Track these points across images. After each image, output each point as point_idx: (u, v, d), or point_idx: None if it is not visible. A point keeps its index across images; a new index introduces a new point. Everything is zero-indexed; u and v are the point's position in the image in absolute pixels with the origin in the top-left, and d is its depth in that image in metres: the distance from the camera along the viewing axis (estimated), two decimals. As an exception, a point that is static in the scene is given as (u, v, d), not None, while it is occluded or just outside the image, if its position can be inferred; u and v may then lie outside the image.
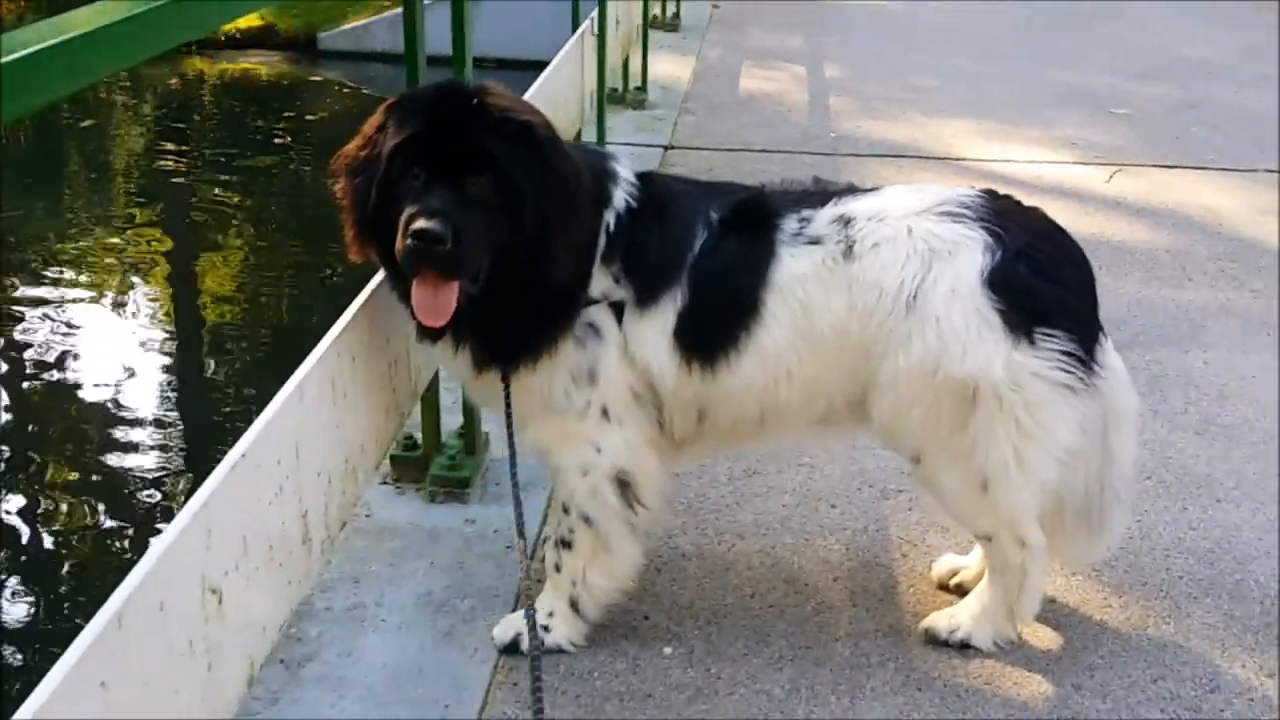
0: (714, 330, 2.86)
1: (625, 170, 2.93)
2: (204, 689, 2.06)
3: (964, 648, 3.12)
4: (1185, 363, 4.81)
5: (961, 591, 3.30)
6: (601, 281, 2.83)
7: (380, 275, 2.94)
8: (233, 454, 2.17)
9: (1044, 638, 3.19)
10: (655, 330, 2.84)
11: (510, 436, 2.86)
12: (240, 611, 2.19)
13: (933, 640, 3.15)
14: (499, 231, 2.62)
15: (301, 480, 2.45)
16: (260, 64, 16.62)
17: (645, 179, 2.96)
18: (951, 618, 3.16)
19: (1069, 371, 2.79)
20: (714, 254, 2.85)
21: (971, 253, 2.78)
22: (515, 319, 2.80)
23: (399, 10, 3.51)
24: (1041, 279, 2.79)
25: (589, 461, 2.92)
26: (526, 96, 4.28)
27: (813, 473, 3.93)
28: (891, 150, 7.58)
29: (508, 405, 2.85)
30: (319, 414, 2.54)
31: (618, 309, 2.84)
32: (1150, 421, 4.32)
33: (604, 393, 2.87)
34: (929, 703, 2.94)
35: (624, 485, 2.95)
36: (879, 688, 2.99)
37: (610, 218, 2.83)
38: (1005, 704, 2.95)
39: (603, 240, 2.82)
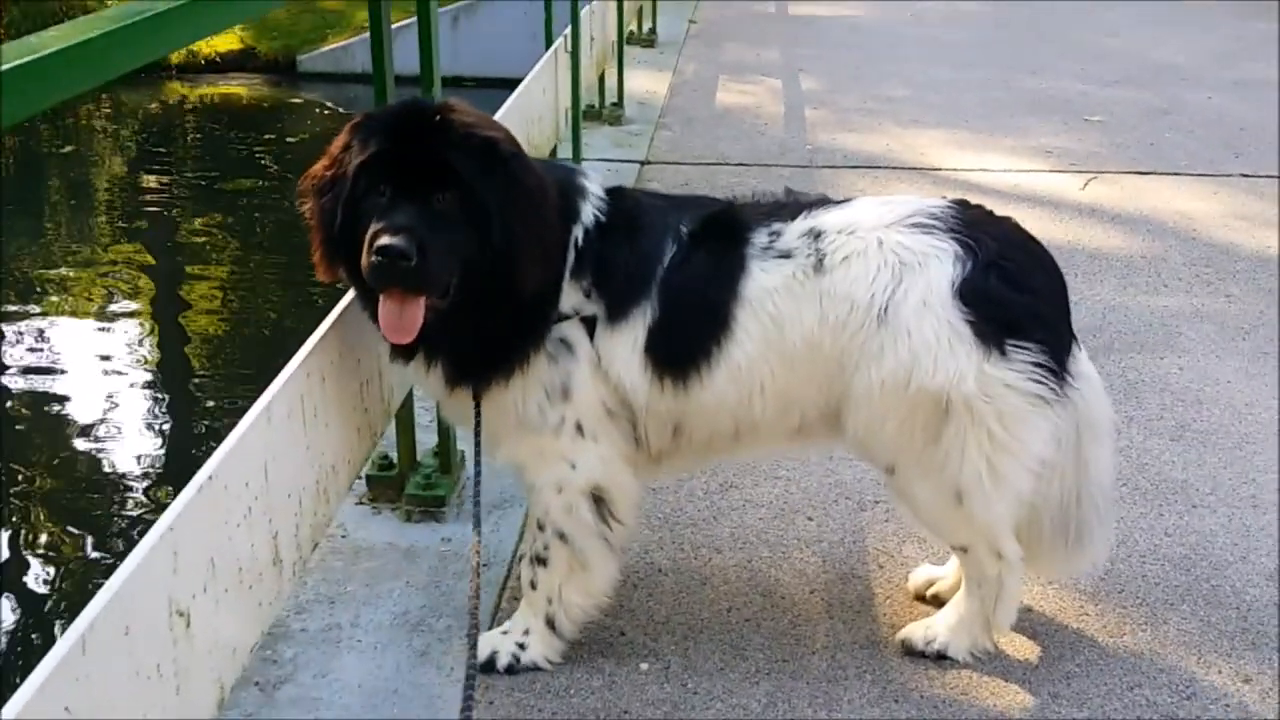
0: (685, 345, 2.86)
1: (594, 185, 2.93)
2: (172, 712, 2.05)
3: (941, 658, 3.11)
4: (1160, 368, 4.83)
5: (938, 602, 3.30)
6: (572, 296, 2.83)
7: (349, 296, 2.94)
8: (199, 476, 2.16)
9: (1020, 647, 3.19)
10: (626, 345, 2.84)
11: (477, 455, 2.86)
12: (209, 634, 2.18)
13: (910, 651, 3.14)
14: (465, 247, 2.62)
15: (271, 501, 2.44)
16: (240, 87, 16.62)
17: (615, 194, 2.96)
18: (928, 629, 3.16)
19: (1040, 382, 2.79)
20: (684, 268, 2.85)
21: (942, 264, 2.78)
22: (485, 335, 2.79)
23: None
24: (1013, 289, 2.79)
25: (564, 478, 2.92)
26: (500, 114, 4.29)
27: (790, 485, 3.93)
28: (867, 161, 7.60)
29: (477, 425, 2.85)
30: (288, 435, 2.54)
31: (589, 324, 2.84)
32: (1126, 428, 4.33)
33: (578, 408, 2.87)
34: (906, 714, 2.94)
35: (599, 501, 2.95)
36: (856, 700, 2.99)
37: (579, 232, 2.83)
38: (982, 714, 2.95)
39: (571, 255, 2.82)
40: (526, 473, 2.97)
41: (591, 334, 2.84)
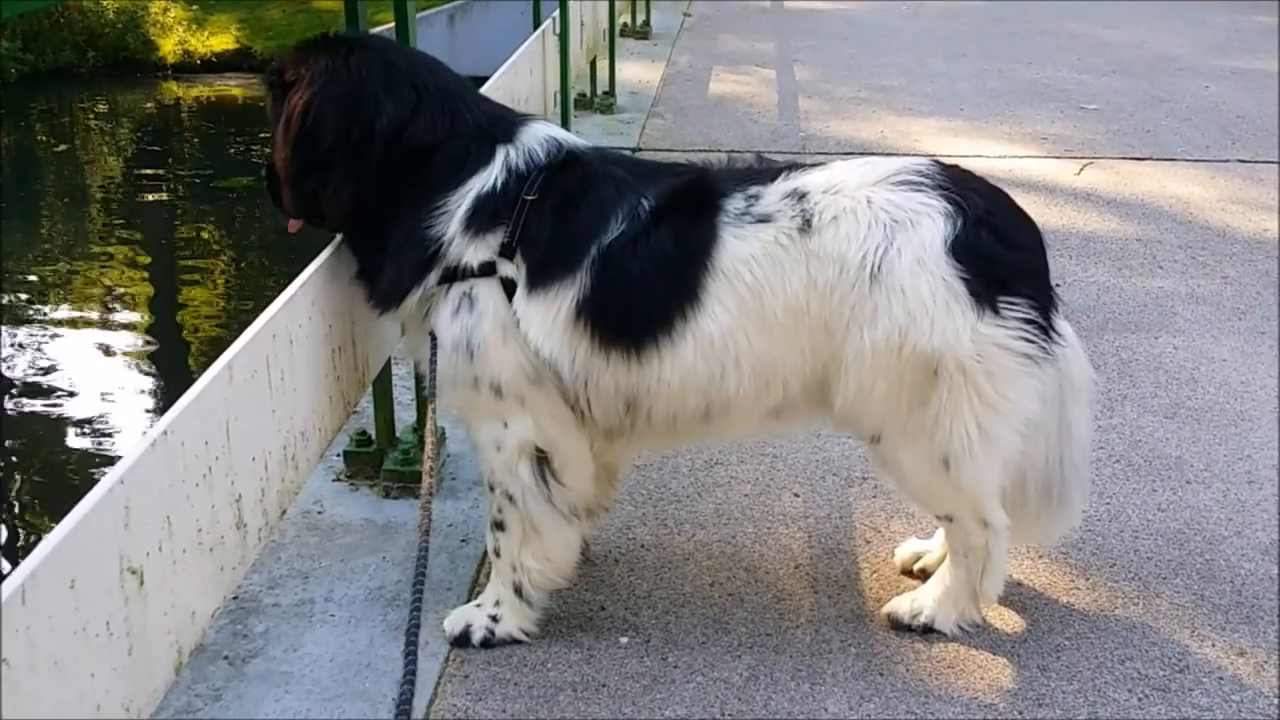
0: (637, 319, 2.74)
1: (535, 140, 2.83)
2: (125, 673, 1.98)
3: (927, 632, 3.04)
4: (1155, 348, 4.76)
5: (925, 577, 3.22)
6: (477, 251, 2.75)
7: (318, 261, 2.88)
8: (154, 431, 2.09)
9: (1009, 621, 3.12)
10: (547, 316, 2.73)
11: (432, 370, 2.81)
12: (165, 595, 2.10)
13: (895, 625, 3.07)
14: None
15: (233, 463, 2.37)
16: (236, 87, 16.57)
17: (568, 160, 2.83)
18: (914, 601, 3.09)
19: (1030, 341, 2.73)
20: (637, 243, 2.72)
21: (934, 221, 2.70)
22: (359, 256, 2.94)
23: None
24: (1003, 245, 2.72)
25: (499, 436, 2.85)
26: (484, 90, 4.22)
27: (775, 462, 3.86)
28: (861, 148, 7.53)
29: (432, 359, 2.79)
30: (252, 396, 2.46)
31: (508, 286, 2.76)
32: (1119, 405, 4.27)
33: (490, 369, 2.78)
34: (890, 687, 2.87)
35: (541, 461, 2.87)
36: (839, 673, 2.92)
37: (483, 183, 2.76)
38: (969, 687, 2.88)
39: (466, 203, 2.75)
40: (470, 429, 2.93)
41: (510, 296, 2.75)
